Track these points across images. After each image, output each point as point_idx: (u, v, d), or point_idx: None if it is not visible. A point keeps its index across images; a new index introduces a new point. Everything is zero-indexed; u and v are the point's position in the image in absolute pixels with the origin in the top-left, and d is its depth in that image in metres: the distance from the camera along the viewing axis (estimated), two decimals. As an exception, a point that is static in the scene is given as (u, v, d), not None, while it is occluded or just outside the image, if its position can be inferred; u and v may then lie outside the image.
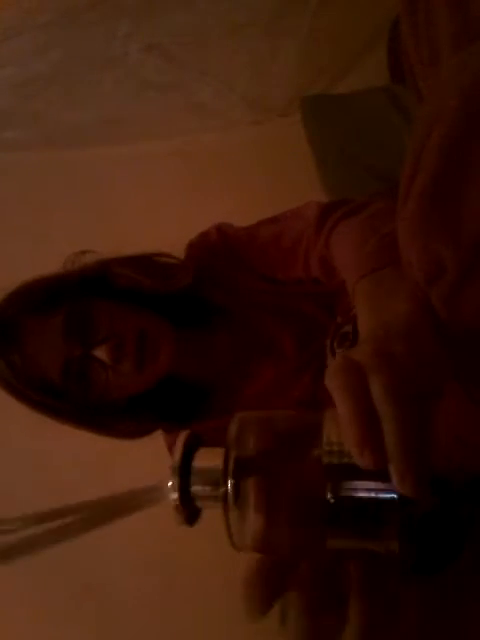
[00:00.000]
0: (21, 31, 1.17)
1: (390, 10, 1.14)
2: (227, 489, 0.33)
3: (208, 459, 0.35)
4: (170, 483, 0.35)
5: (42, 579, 1.47)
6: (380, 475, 0.30)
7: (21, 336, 0.75)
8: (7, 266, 1.61)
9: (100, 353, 0.74)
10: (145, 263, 0.86)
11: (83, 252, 0.85)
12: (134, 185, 1.62)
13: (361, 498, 0.32)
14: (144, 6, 1.19)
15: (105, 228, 1.62)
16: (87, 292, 0.79)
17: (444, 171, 0.49)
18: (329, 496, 0.32)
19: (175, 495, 0.34)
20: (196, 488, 0.34)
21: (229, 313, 0.82)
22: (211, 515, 0.35)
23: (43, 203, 1.64)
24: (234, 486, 0.33)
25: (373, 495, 0.31)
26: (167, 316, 0.80)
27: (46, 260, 1.68)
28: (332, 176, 1.30)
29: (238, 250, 0.85)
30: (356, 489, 0.32)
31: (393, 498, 0.31)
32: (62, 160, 1.61)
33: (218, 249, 0.86)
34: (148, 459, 0.79)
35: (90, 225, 1.62)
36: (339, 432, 0.32)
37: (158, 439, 0.87)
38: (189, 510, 0.35)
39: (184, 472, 0.34)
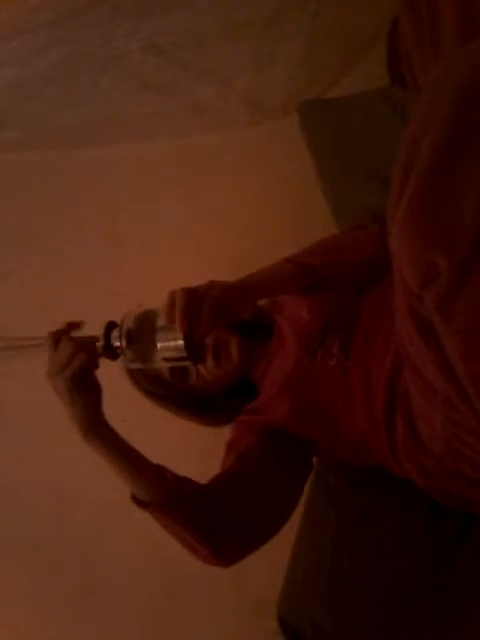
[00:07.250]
0: (21, 31, 1.16)
1: (390, 10, 1.14)
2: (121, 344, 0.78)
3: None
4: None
5: (42, 579, 1.47)
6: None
7: None
8: (6, 266, 1.61)
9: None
10: None
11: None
12: (134, 185, 1.63)
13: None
14: (144, 6, 1.19)
15: (105, 227, 1.62)
16: None
17: (436, 175, 0.49)
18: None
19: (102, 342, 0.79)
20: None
21: (269, 326, 1.09)
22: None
23: (43, 203, 1.64)
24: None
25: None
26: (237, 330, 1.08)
27: (46, 260, 1.68)
28: (332, 180, 1.31)
29: None
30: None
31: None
32: (62, 160, 1.61)
33: None
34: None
35: (90, 225, 1.62)
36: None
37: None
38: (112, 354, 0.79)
39: (109, 328, 0.79)
